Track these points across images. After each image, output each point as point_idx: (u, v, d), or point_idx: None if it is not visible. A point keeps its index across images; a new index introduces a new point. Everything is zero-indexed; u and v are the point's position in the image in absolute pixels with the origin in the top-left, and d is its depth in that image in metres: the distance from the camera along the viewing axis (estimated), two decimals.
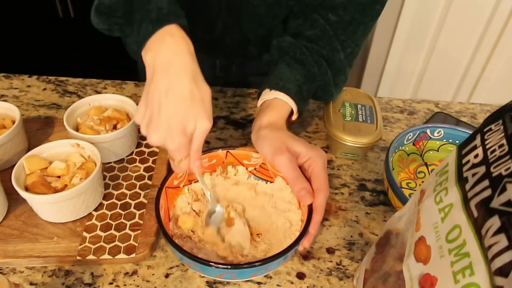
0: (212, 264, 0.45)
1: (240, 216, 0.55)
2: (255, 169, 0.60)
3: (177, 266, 0.53)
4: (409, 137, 0.66)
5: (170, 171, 0.55)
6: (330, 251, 0.56)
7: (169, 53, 0.49)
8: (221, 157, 0.58)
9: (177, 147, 0.48)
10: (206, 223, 0.54)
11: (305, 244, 0.51)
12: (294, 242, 0.48)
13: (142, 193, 0.60)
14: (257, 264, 0.45)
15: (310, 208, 0.51)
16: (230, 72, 0.88)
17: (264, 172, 0.59)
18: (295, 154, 0.54)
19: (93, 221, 0.56)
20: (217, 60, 0.86)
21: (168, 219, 0.53)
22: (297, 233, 0.52)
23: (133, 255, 0.52)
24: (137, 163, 0.65)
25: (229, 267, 0.46)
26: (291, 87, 0.61)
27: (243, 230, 0.53)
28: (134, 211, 0.57)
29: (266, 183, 0.60)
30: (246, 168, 0.60)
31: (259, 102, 0.64)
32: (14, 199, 0.56)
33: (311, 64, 0.64)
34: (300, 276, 0.53)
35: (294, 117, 0.63)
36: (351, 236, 0.58)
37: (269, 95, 0.62)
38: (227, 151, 0.58)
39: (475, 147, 0.33)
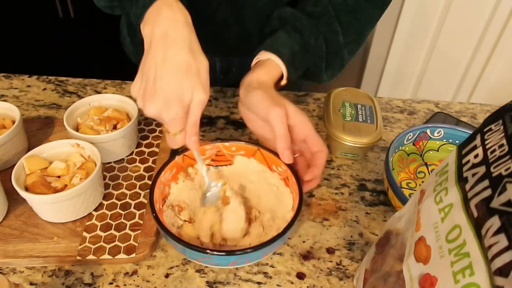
0: (238, 251, 0.46)
1: (236, 195, 0.55)
2: (212, 160, 0.61)
3: (177, 266, 0.53)
4: (409, 137, 0.66)
5: (170, 159, 0.56)
6: (330, 251, 0.56)
7: (166, 23, 0.48)
8: (179, 163, 0.58)
9: (173, 117, 0.47)
10: (202, 202, 0.55)
11: (312, 184, 0.55)
12: (287, 226, 0.49)
13: (142, 193, 0.60)
14: (249, 250, 0.46)
15: (296, 176, 0.54)
16: (230, 73, 0.88)
17: (221, 158, 0.61)
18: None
19: (93, 221, 0.56)
20: (216, 60, 0.85)
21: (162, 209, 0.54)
22: (287, 193, 0.57)
23: (133, 255, 0.52)
24: (137, 163, 0.65)
25: (224, 253, 0.47)
26: (285, 52, 0.61)
27: (238, 209, 0.53)
28: (134, 211, 0.57)
29: (227, 166, 0.61)
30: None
31: (253, 62, 0.63)
32: (14, 199, 0.56)
33: (308, 35, 0.63)
34: (300, 276, 0.53)
35: (283, 82, 0.63)
36: (351, 236, 0.58)
37: (263, 55, 0.62)
38: (183, 155, 0.58)
39: (475, 147, 0.33)
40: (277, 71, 0.61)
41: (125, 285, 0.51)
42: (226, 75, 0.87)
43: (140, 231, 0.55)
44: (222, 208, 0.54)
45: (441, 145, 0.68)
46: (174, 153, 0.69)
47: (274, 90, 0.58)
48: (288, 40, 0.63)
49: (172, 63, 0.47)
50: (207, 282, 0.52)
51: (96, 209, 0.57)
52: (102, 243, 0.53)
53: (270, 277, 0.53)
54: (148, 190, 0.60)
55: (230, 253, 0.47)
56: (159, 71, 0.47)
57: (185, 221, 0.55)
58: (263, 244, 0.47)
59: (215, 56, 0.85)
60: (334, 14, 0.64)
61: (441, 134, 0.67)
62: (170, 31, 0.48)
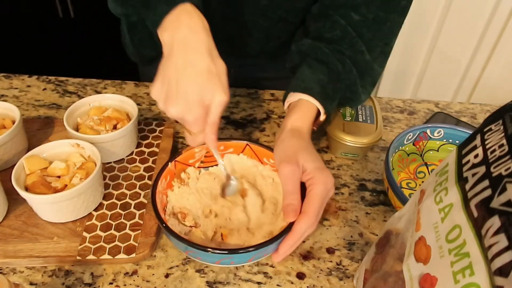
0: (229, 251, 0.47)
1: (253, 187, 0.57)
2: (201, 162, 0.61)
3: (177, 266, 0.53)
4: (409, 137, 0.66)
5: (163, 167, 0.56)
6: (330, 251, 0.56)
7: (186, 30, 0.51)
8: (172, 170, 0.57)
9: (195, 118, 0.50)
10: (223, 194, 0.57)
11: (274, 259, 0.50)
12: (286, 228, 0.49)
13: (142, 193, 0.60)
14: (251, 249, 0.46)
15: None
16: (229, 74, 0.87)
17: (210, 159, 0.61)
18: (302, 169, 0.52)
19: (93, 221, 0.56)
20: None
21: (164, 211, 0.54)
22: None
23: (133, 255, 0.52)
24: (137, 163, 0.65)
25: (227, 252, 0.47)
26: (314, 87, 0.60)
27: (256, 200, 0.55)
28: (134, 211, 0.57)
29: (217, 166, 0.61)
30: (194, 166, 0.60)
31: (285, 105, 0.62)
32: (14, 199, 0.56)
33: (333, 62, 0.62)
34: (300, 276, 0.53)
35: (322, 117, 0.61)
36: (351, 236, 0.58)
37: (293, 97, 0.61)
38: (174, 161, 0.58)
39: (475, 147, 0.33)
40: (312, 110, 0.59)
41: (125, 285, 0.51)
42: None
43: (140, 231, 0.55)
44: (241, 200, 0.56)
45: (441, 145, 0.68)
46: (175, 153, 0.69)
47: (303, 140, 0.55)
48: (313, 74, 0.62)
49: (194, 68, 0.49)
50: (207, 282, 0.52)
51: (96, 209, 0.57)
52: (102, 243, 0.53)
53: (270, 277, 0.53)
54: (148, 191, 0.60)
55: (248, 249, 0.47)
56: (181, 75, 0.49)
57: (191, 226, 0.55)
58: (278, 236, 0.48)
59: None
60: (355, 35, 0.63)
61: (441, 134, 0.67)
62: (190, 37, 0.50)
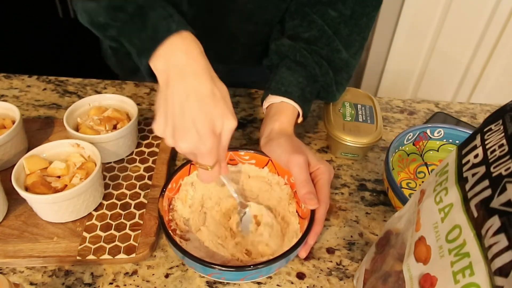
0: (230, 269, 0.46)
1: (264, 210, 0.56)
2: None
3: (177, 266, 0.53)
4: (409, 137, 0.66)
5: (172, 174, 0.55)
6: (330, 251, 0.56)
7: (182, 55, 0.47)
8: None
9: (210, 149, 0.46)
10: (238, 228, 0.55)
11: (302, 254, 0.53)
12: (297, 243, 0.49)
13: (142, 193, 0.60)
14: (260, 266, 0.46)
15: (312, 217, 0.51)
16: None
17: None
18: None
19: (93, 221, 0.56)
20: None
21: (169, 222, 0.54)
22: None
23: (133, 255, 0.52)
24: (137, 163, 0.65)
25: (242, 267, 0.46)
26: (294, 90, 0.61)
27: (273, 224, 0.55)
28: (134, 211, 0.57)
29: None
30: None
31: (265, 105, 0.63)
32: (14, 199, 0.56)
33: (311, 65, 0.63)
34: (300, 276, 0.53)
35: (299, 120, 0.64)
36: (351, 236, 0.58)
37: (275, 98, 0.62)
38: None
39: (475, 147, 0.33)
40: (294, 112, 0.62)
41: (125, 285, 0.51)
42: None
43: (140, 231, 0.55)
44: (257, 229, 0.55)
45: (441, 145, 0.68)
46: (175, 153, 0.69)
47: (295, 138, 0.59)
48: (293, 77, 0.62)
49: (198, 95, 0.46)
50: (207, 282, 0.52)
51: (96, 209, 0.57)
52: (102, 243, 0.53)
53: (270, 277, 0.53)
54: (148, 190, 0.60)
55: (272, 261, 0.46)
56: (186, 105, 0.45)
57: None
58: (298, 243, 0.48)
59: None
60: (331, 33, 0.64)
61: (441, 134, 0.67)
62: (187, 62, 0.47)
